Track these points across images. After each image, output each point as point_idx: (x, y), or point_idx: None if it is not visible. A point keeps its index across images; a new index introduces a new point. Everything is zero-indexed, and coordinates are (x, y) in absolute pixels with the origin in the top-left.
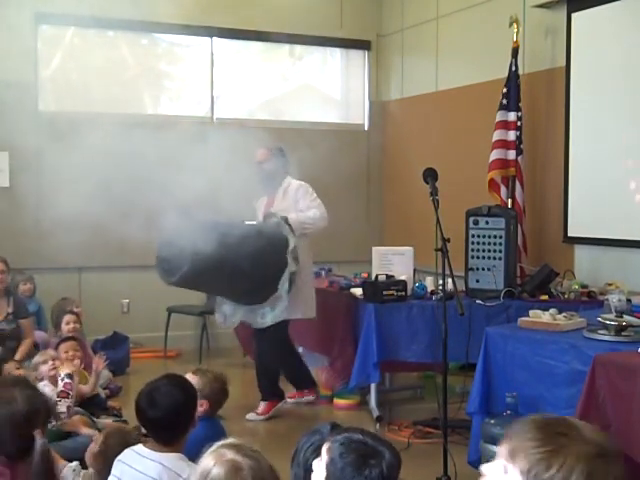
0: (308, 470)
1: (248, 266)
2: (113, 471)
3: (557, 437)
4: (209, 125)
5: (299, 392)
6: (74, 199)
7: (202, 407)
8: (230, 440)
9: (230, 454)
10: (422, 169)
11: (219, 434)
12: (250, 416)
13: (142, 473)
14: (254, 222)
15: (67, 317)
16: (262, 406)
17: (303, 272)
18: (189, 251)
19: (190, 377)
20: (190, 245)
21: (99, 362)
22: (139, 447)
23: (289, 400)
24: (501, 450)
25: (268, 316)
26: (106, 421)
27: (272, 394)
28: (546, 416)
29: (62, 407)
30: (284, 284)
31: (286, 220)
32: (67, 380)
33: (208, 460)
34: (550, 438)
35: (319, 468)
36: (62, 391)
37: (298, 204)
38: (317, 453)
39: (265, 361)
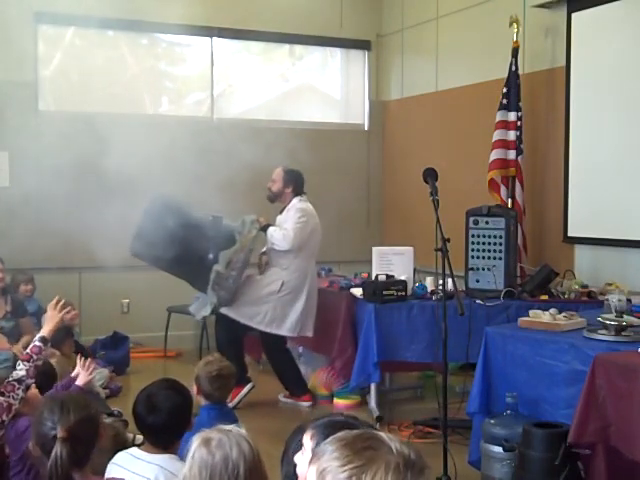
0: None
1: (188, 257)
2: (107, 474)
3: (363, 452)
4: (209, 125)
5: (293, 396)
6: (73, 199)
7: (194, 391)
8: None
9: (206, 433)
10: (422, 169)
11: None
12: None
13: (138, 475)
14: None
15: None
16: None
17: (294, 291)
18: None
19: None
20: (140, 223)
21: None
22: (134, 449)
23: (284, 399)
24: (311, 472)
25: (208, 309)
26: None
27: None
28: (352, 432)
29: (21, 371)
30: (210, 280)
31: (265, 228)
32: (37, 343)
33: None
34: (356, 454)
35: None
36: (26, 353)
37: (286, 223)
38: None
39: (219, 346)
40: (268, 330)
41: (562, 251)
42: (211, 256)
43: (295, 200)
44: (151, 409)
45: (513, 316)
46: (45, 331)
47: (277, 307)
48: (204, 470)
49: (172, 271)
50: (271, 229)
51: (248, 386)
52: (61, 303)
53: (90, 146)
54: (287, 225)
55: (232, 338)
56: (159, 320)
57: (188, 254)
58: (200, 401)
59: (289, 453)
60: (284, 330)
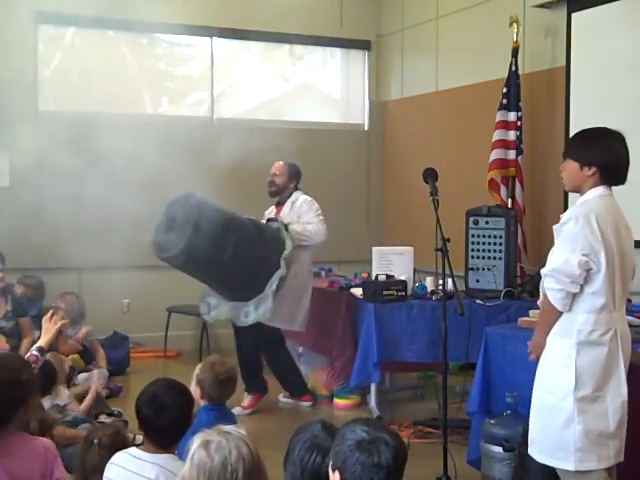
0: (304, 469)
1: (241, 260)
2: (106, 474)
3: None
4: (209, 125)
5: (293, 397)
6: (73, 199)
7: (197, 395)
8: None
9: (206, 434)
10: (422, 169)
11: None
12: (236, 410)
13: (138, 474)
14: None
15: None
16: (247, 400)
17: (304, 285)
18: (188, 232)
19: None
20: (191, 226)
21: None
22: (133, 449)
23: (284, 399)
24: None
25: (251, 315)
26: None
27: (255, 387)
28: None
29: None
30: (272, 285)
31: (286, 227)
32: (34, 352)
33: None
34: None
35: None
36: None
37: (301, 218)
38: (311, 451)
39: (245, 354)
40: (287, 327)
41: None
42: (267, 259)
43: (298, 193)
44: (160, 410)
45: (513, 316)
46: (43, 342)
47: (288, 302)
48: (202, 474)
49: (213, 278)
50: (294, 226)
51: (266, 394)
52: (56, 316)
53: (90, 146)
54: (308, 218)
55: (257, 346)
56: (159, 320)
57: (241, 259)
58: (199, 402)
59: (293, 454)
60: (296, 326)
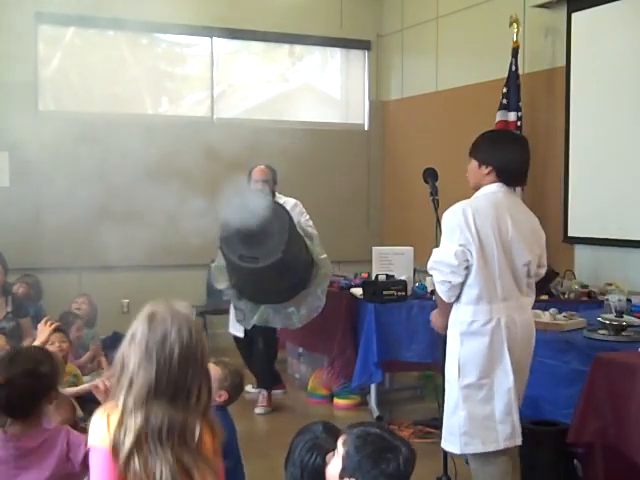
0: (304, 469)
1: (293, 263)
2: None
3: None
4: (209, 125)
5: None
6: (73, 199)
7: (221, 398)
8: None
9: (156, 306)
10: (422, 169)
11: (229, 424)
12: (259, 410)
13: None
14: None
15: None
16: (266, 397)
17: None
18: (284, 238)
19: (211, 367)
20: (286, 232)
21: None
22: None
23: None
24: None
25: (295, 317)
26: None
27: (271, 383)
28: None
29: None
30: (321, 285)
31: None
32: None
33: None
34: None
35: (334, 460)
36: None
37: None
38: (312, 452)
39: (267, 353)
40: (304, 323)
41: (562, 251)
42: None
43: (280, 195)
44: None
45: None
46: (37, 342)
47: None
48: (140, 345)
49: (272, 283)
50: (307, 228)
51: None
52: (50, 322)
53: (90, 146)
54: (303, 221)
55: (276, 350)
56: None
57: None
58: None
59: (294, 455)
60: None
